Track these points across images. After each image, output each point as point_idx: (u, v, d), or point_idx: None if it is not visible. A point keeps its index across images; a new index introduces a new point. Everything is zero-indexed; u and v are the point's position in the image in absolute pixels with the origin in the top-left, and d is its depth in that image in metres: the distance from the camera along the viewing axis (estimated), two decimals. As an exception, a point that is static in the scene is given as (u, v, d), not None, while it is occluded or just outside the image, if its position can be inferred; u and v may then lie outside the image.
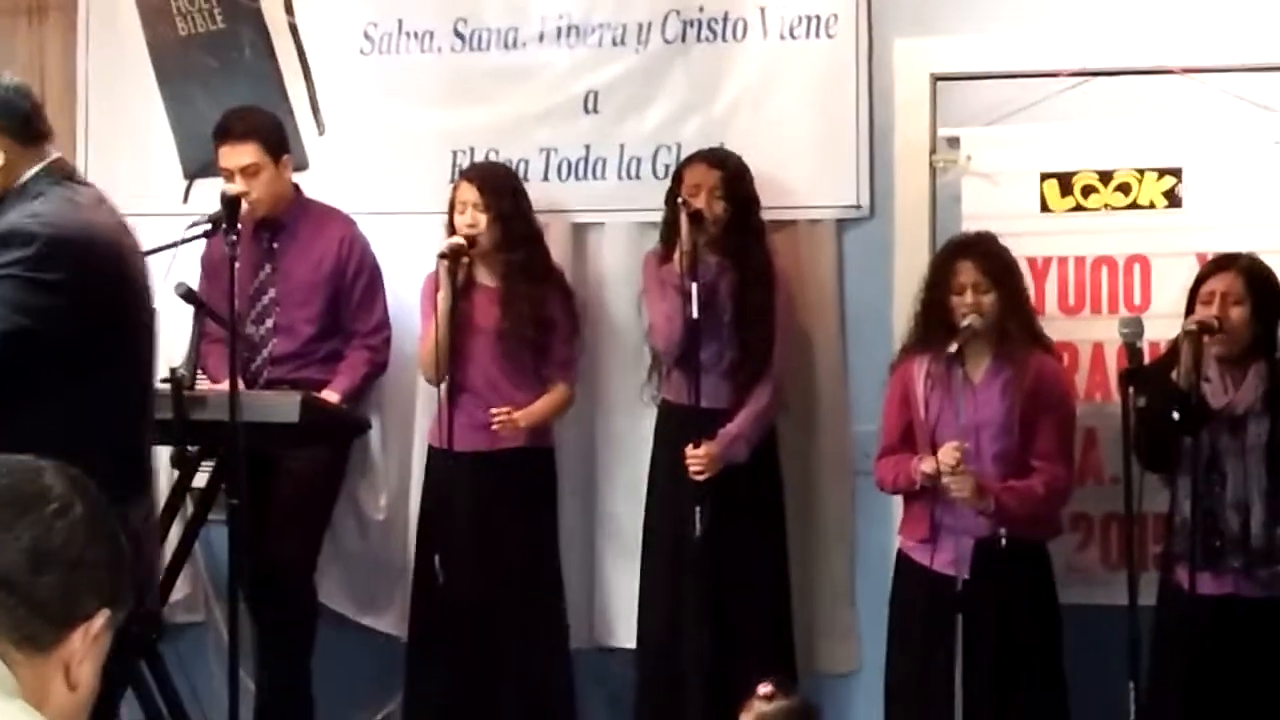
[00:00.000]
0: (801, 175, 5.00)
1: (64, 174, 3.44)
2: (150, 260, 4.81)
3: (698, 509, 4.55)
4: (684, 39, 5.10)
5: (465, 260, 4.77)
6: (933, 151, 4.92)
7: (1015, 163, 4.82)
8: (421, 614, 4.85)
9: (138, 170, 5.67)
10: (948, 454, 4.24)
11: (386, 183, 5.31)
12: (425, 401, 5.02)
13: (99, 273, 3.30)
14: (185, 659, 5.03)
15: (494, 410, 4.69)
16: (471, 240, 4.74)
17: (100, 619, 1.51)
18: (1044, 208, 4.80)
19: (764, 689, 3.64)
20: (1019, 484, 4.35)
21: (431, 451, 4.90)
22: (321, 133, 5.42)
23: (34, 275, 3.19)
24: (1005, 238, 4.55)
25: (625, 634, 5.02)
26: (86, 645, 1.50)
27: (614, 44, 5.16)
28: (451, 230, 4.79)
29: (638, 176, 5.13)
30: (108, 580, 1.53)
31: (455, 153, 5.24)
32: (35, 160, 3.35)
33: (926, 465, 4.31)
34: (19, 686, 1.43)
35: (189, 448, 4.56)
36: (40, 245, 3.21)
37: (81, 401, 3.24)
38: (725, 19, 5.06)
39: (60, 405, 3.20)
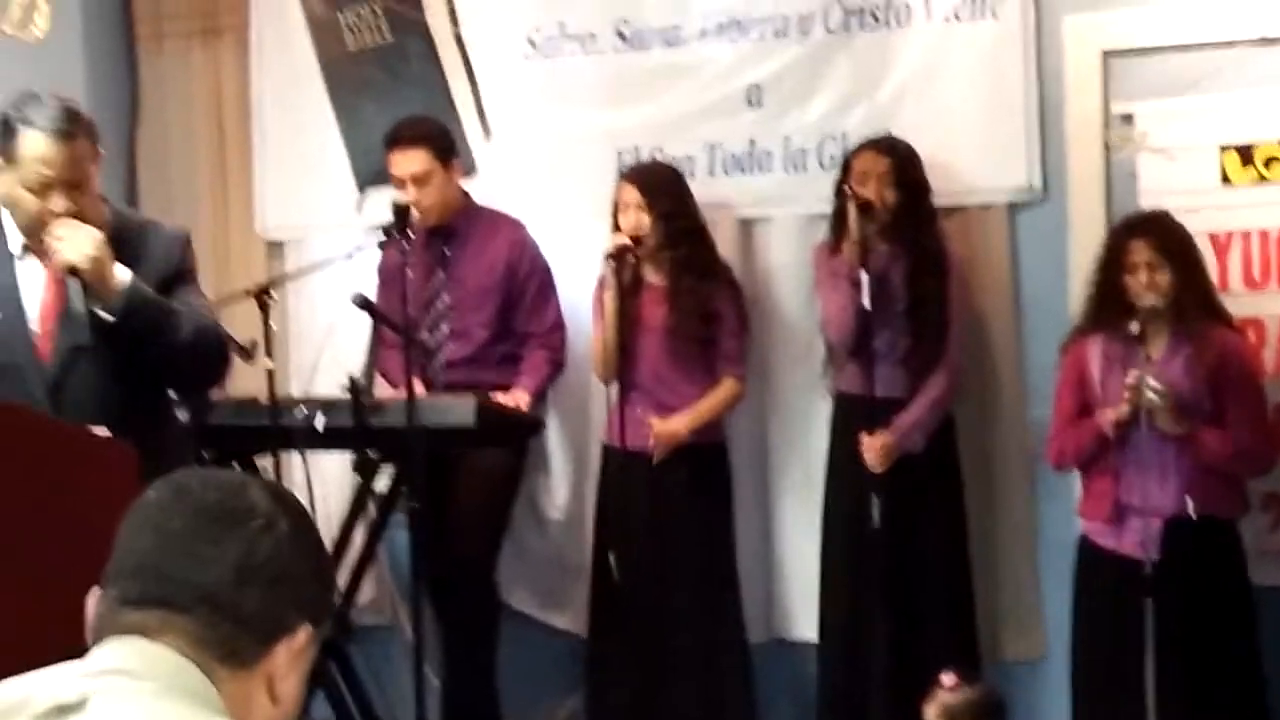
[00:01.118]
0: (971, 159, 4.93)
1: None
2: (328, 270, 4.99)
3: (875, 499, 4.52)
4: (847, 28, 5.06)
5: (631, 260, 4.79)
6: (1106, 129, 4.82)
7: (1193, 136, 4.71)
8: (600, 611, 4.88)
9: (313, 183, 5.80)
10: (1130, 377, 4.15)
11: (553, 185, 5.35)
12: (599, 400, 5.05)
13: None
14: (373, 660, 5.14)
15: (653, 421, 4.70)
16: (636, 240, 4.76)
17: (303, 634, 1.52)
18: (1225, 181, 4.68)
19: (947, 679, 3.60)
20: (1217, 431, 4.26)
21: (605, 450, 4.93)
22: (488, 138, 5.48)
23: None
24: (1185, 213, 4.45)
25: (806, 627, 4.99)
26: (290, 660, 1.51)
27: (776, 36, 5.14)
28: (617, 230, 4.81)
29: (804, 169, 5.10)
30: (311, 595, 1.54)
31: (620, 153, 5.26)
32: None
33: (1112, 413, 4.22)
34: (223, 702, 1.45)
35: (369, 453, 4.65)
36: None
37: None
38: (888, 5, 5.01)
39: None
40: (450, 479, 4.86)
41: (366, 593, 5.16)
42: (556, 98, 5.40)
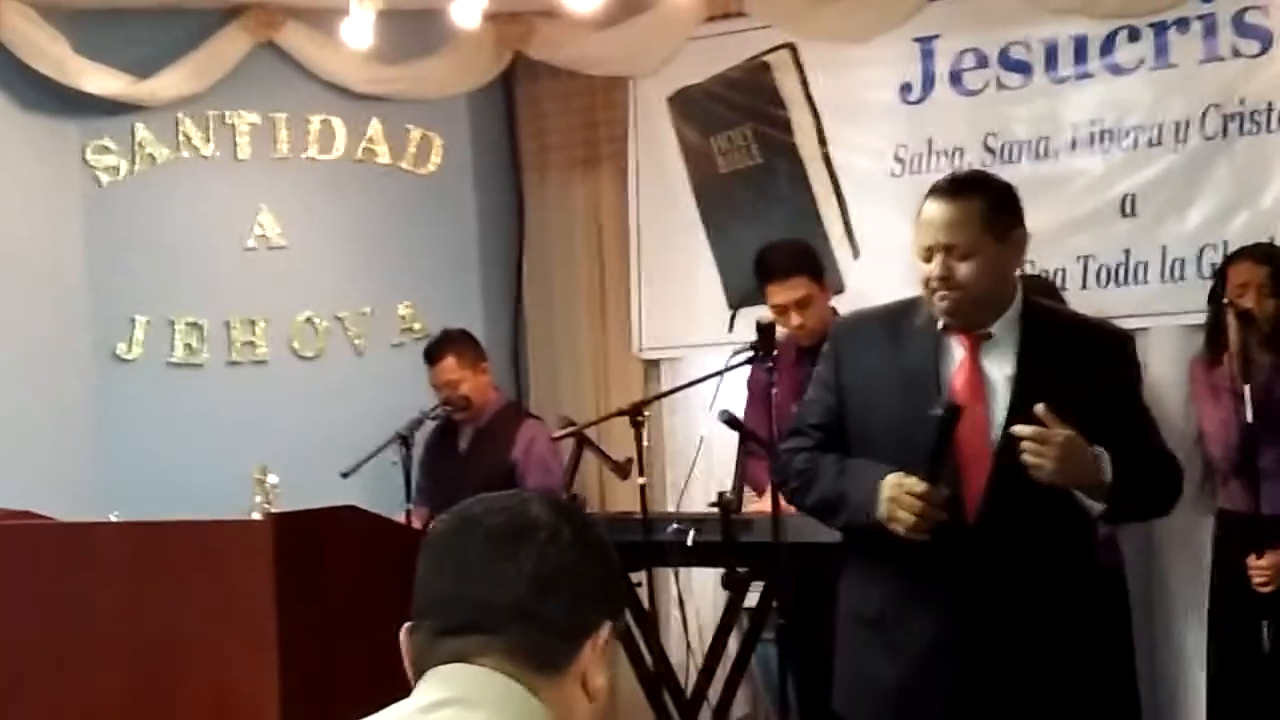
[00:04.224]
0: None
1: None
2: (702, 389, 5.09)
3: (1265, 624, 4.30)
4: (1225, 134, 4.92)
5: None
6: None
7: None
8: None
9: (687, 303, 5.95)
10: None
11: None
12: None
13: None
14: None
15: None
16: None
17: (605, 629, 1.58)
18: None
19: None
20: None
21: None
22: (856, 256, 5.52)
23: None
24: None
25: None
26: (598, 657, 1.57)
27: (1150, 145, 5.04)
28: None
29: (1182, 278, 4.96)
30: (606, 592, 1.61)
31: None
32: None
33: None
34: (547, 712, 1.51)
35: (739, 569, 4.70)
36: None
37: None
38: (1270, 109, 4.85)
39: None
40: (823, 593, 4.85)
41: (741, 707, 5.19)
42: (925, 213, 5.40)
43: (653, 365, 6.05)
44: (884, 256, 5.43)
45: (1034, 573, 3.13)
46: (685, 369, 5.72)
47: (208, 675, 3.60)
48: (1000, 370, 3.14)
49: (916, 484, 3.03)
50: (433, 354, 5.68)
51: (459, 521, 1.60)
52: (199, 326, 6.02)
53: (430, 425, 5.64)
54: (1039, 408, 2.98)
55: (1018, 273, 3.24)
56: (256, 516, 3.78)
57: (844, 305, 5.27)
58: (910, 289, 5.26)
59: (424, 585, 1.58)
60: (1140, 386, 3.31)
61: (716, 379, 4.87)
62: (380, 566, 3.42)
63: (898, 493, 3.05)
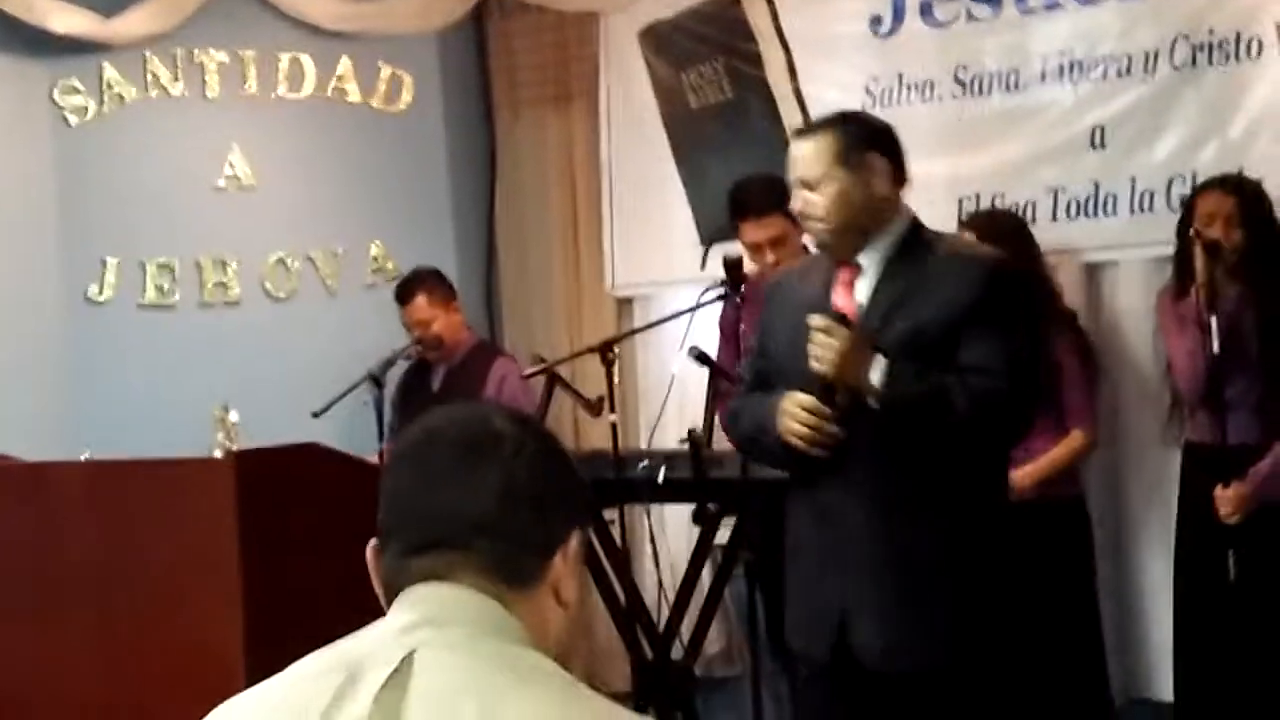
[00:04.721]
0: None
1: None
2: (673, 326, 5.09)
3: (1230, 553, 4.31)
4: (1194, 63, 4.88)
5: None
6: None
7: None
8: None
9: (660, 240, 5.94)
10: None
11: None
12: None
13: None
14: (722, 713, 5.18)
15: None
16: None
17: (574, 539, 1.58)
18: None
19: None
20: None
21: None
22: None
23: None
24: None
25: (1161, 686, 4.80)
26: (568, 567, 1.57)
27: (1119, 75, 5.01)
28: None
29: (1151, 210, 4.94)
30: (573, 503, 1.61)
31: (961, 200, 5.21)
32: None
33: None
34: (522, 625, 1.51)
35: (709, 504, 4.71)
36: None
37: None
38: (1238, 39, 4.81)
39: None
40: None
41: (714, 643, 5.21)
42: (896, 147, 5.38)
43: (625, 303, 6.05)
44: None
45: (913, 492, 3.22)
46: (658, 307, 5.71)
47: (173, 614, 3.61)
48: (865, 296, 3.31)
49: (806, 399, 3.19)
50: (404, 293, 5.67)
51: (422, 436, 1.59)
52: (170, 268, 6.00)
53: (403, 365, 5.64)
54: (812, 318, 3.17)
55: (900, 201, 3.38)
56: (218, 454, 3.78)
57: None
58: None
59: (389, 502, 1.57)
60: (1002, 313, 3.23)
61: (688, 316, 4.87)
62: (345, 504, 3.40)
63: (790, 405, 3.22)
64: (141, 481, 3.76)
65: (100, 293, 5.92)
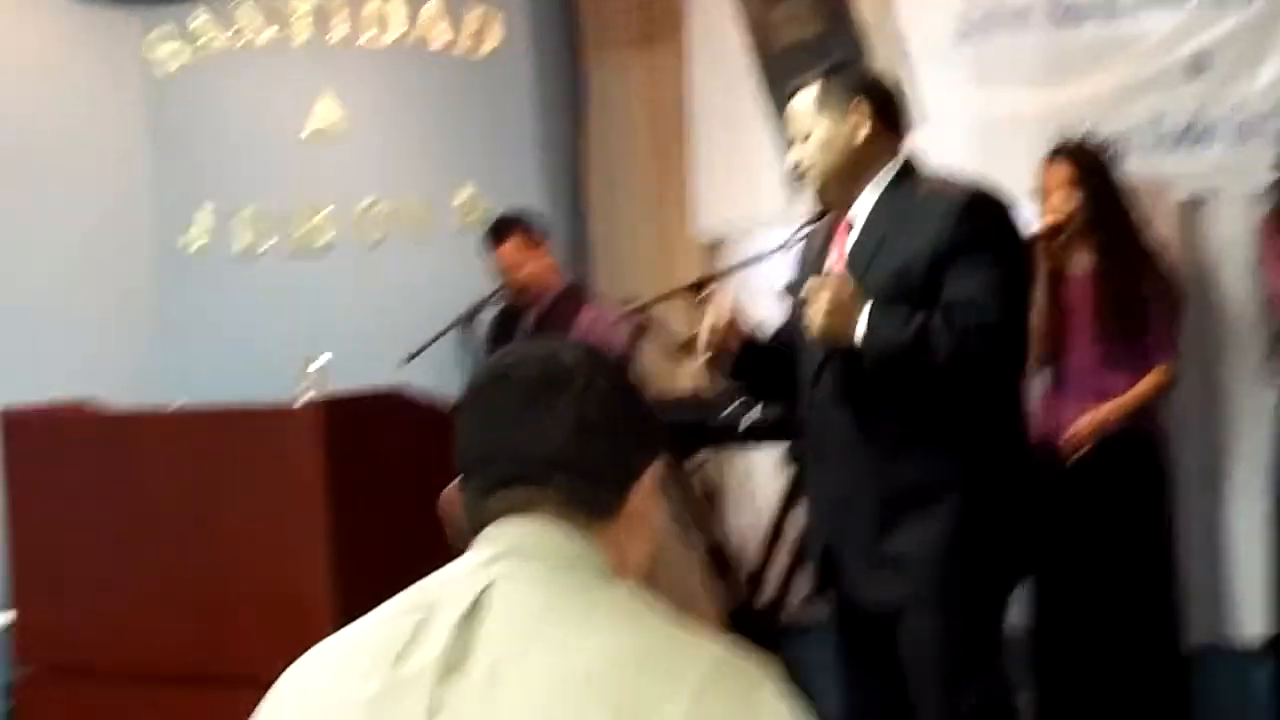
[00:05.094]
0: None
1: None
2: (760, 267, 5.03)
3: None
4: (1296, -12, 4.74)
5: (1059, 241, 4.63)
6: None
7: None
8: (1040, 608, 4.73)
9: (748, 180, 5.86)
10: None
11: (986, 168, 5.21)
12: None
13: None
14: (810, 657, 5.14)
15: (1073, 431, 4.52)
16: (1064, 221, 4.59)
17: (649, 469, 1.59)
18: None
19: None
20: None
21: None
22: (920, 123, 5.39)
23: None
24: None
25: (1249, 629, 4.70)
26: (645, 496, 1.58)
27: (1217, 3, 4.86)
28: (1045, 212, 4.66)
29: (1251, 141, 4.80)
30: (646, 434, 1.61)
31: (1054, 132, 5.09)
32: None
33: None
34: (602, 557, 1.52)
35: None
36: None
37: None
38: (1342, -39, 4.67)
39: None
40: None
41: (803, 586, 5.16)
42: (989, 79, 5.27)
43: (714, 246, 5.99)
44: (949, 123, 5.30)
45: (903, 429, 3.21)
46: (745, 248, 5.65)
47: (260, 562, 3.63)
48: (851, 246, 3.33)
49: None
50: (494, 237, 5.64)
51: (493, 375, 1.59)
52: (260, 216, 6.03)
53: (493, 311, 5.63)
54: (809, 282, 3.19)
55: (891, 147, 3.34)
56: (305, 401, 3.79)
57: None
58: (975, 156, 5.21)
59: (465, 442, 1.58)
60: (982, 244, 3.17)
61: (776, 257, 4.81)
62: (432, 450, 3.40)
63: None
64: (230, 429, 3.78)
65: (191, 242, 5.96)
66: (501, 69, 6.25)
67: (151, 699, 3.70)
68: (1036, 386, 4.62)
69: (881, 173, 3.32)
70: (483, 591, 1.44)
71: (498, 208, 5.87)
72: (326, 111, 6.09)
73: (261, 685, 1.53)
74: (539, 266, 5.63)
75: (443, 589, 1.48)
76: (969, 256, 3.14)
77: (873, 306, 3.12)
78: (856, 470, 3.25)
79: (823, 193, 3.36)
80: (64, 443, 3.92)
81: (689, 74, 6.03)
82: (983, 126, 5.24)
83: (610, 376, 1.59)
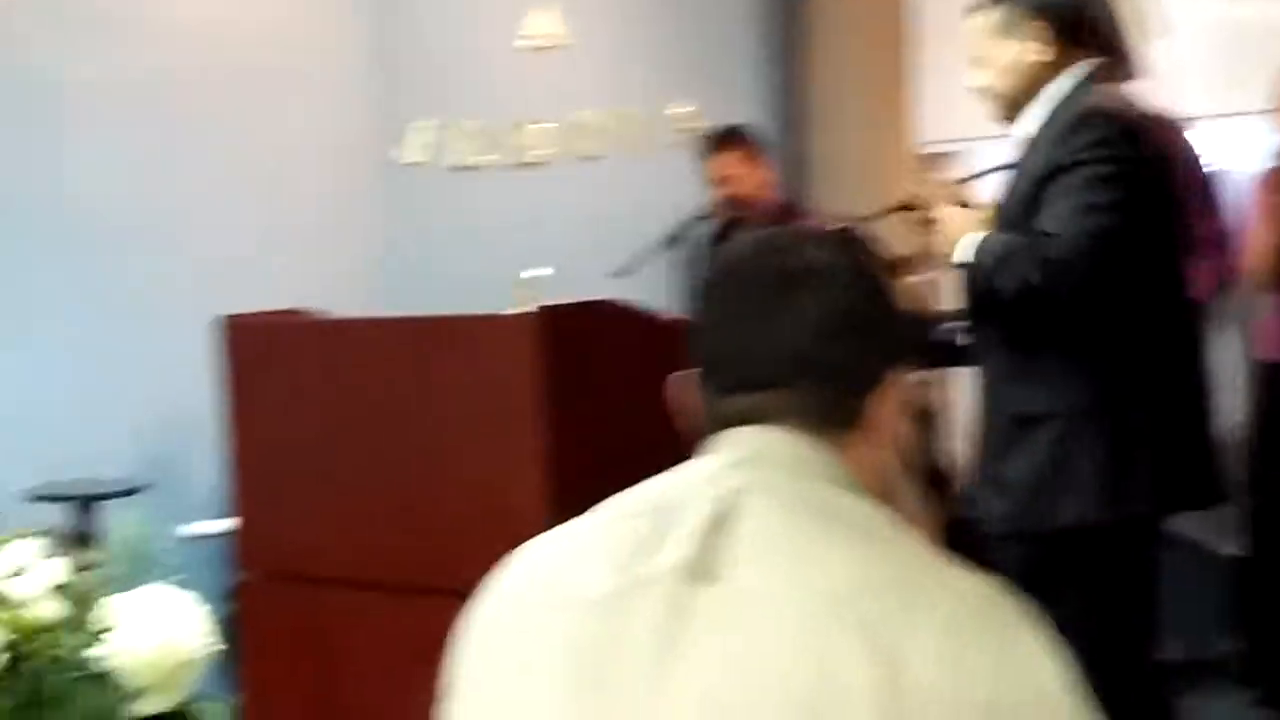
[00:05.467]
0: None
1: None
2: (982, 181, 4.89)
3: None
4: None
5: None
6: None
7: None
8: (1260, 536, 4.56)
9: (969, 95, 5.69)
10: None
11: (1231, 81, 5.00)
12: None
13: None
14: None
15: None
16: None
17: (897, 375, 1.47)
18: None
19: None
20: None
21: (1261, 365, 4.57)
22: (1160, 36, 5.17)
23: None
24: None
25: None
26: (893, 403, 1.46)
27: None
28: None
29: None
30: (895, 335, 1.48)
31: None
32: None
33: None
34: (845, 468, 1.42)
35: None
36: None
37: None
38: None
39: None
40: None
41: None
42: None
43: (934, 159, 5.84)
44: (1195, 36, 5.08)
45: (1015, 359, 3.19)
46: (966, 163, 5.49)
47: (471, 472, 3.61)
48: None
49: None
50: (712, 147, 5.56)
51: (732, 268, 1.50)
52: (477, 129, 6.02)
53: (704, 227, 5.56)
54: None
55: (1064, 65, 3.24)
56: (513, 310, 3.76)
57: (1149, 91, 4.97)
58: (1220, 69, 4.99)
59: (701, 337, 1.48)
60: (1079, 166, 3.07)
61: (996, 173, 4.67)
62: (645, 362, 3.34)
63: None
64: (443, 338, 3.76)
65: (409, 154, 5.98)
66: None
67: (364, 606, 3.73)
68: (1265, 306, 4.44)
69: (1048, 91, 3.25)
70: (726, 498, 1.36)
71: (715, 122, 5.79)
72: (546, 25, 6.05)
73: (475, 597, 1.48)
74: (757, 180, 5.54)
75: (682, 492, 1.40)
76: (1061, 180, 3.09)
77: (988, 233, 3.14)
78: (981, 392, 3.31)
79: (1006, 116, 3.35)
80: (283, 350, 3.94)
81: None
82: (1229, 38, 5.01)
83: (859, 271, 1.46)
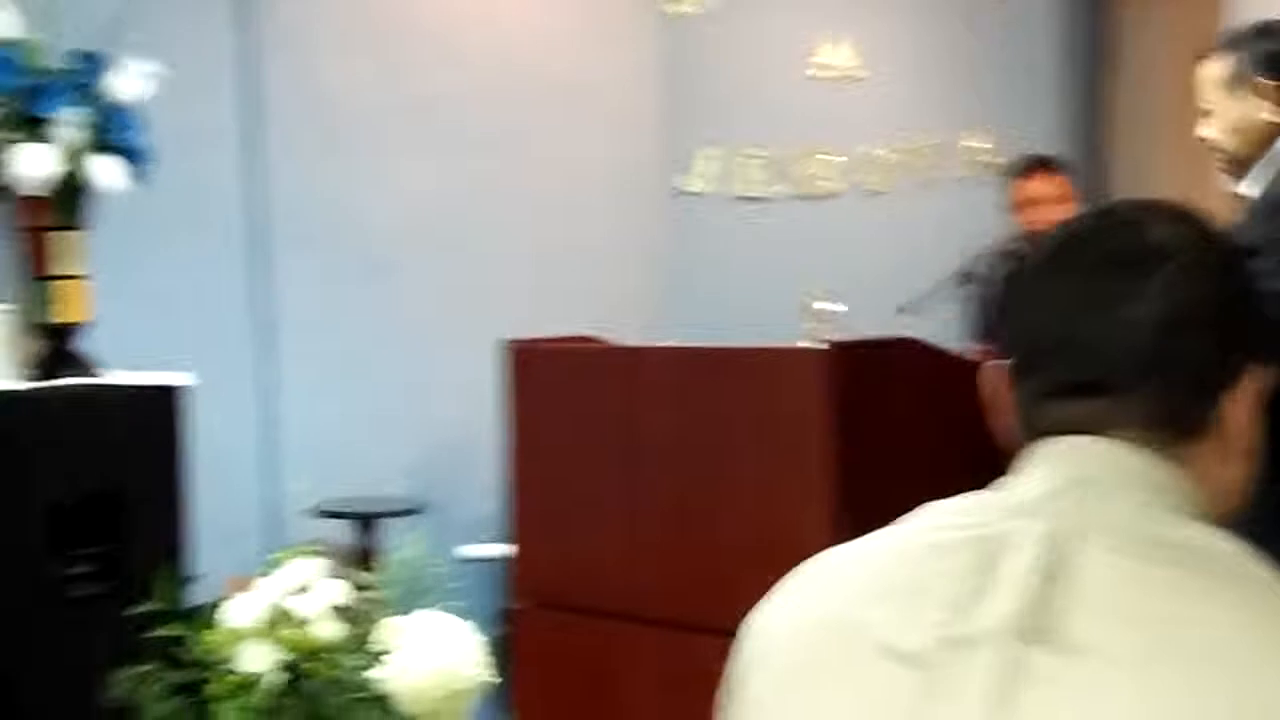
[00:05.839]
0: None
1: None
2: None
3: None
4: None
5: None
6: None
7: None
8: None
9: None
10: None
11: None
12: None
13: None
14: None
15: None
16: None
17: (1251, 374, 1.26)
18: None
19: None
20: None
21: None
22: None
23: None
24: None
25: None
26: (1248, 408, 1.26)
27: None
28: None
29: None
30: (1251, 329, 1.28)
31: None
32: None
33: None
34: (1193, 487, 1.23)
35: None
36: None
37: None
38: None
39: None
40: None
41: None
42: None
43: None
44: None
45: None
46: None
47: (755, 504, 3.50)
48: None
49: None
50: (1020, 171, 5.36)
51: (1062, 249, 1.28)
52: (765, 159, 5.95)
53: (1001, 261, 5.35)
54: None
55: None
56: (808, 344, 3.63)
57: None
58: None
59: (1020, 327, 1.28)
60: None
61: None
62: (944, 403, 3.18)
63: None
64: (733, 369, 3.66)
65: (695, 182, 5.94)
66: (1019, 11, 5.96)
67: (639, 641, 3.65)
68: None
69: (1275, 152, 3.05)
70: (1059, 538, 1.16)
71: (1012, 155, 5.60)
72: (838, 55, 5.95)
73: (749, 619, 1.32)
74: (1065, 212, 5.31)
75: (1003, 526, 1.19)
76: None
77: None
78: None
79: (1233, 175, 3.16)
80: (569, 376, 3.89)
81: (1224, 20, 5.57)
82: None
83: (1211, 256, 1.26)
